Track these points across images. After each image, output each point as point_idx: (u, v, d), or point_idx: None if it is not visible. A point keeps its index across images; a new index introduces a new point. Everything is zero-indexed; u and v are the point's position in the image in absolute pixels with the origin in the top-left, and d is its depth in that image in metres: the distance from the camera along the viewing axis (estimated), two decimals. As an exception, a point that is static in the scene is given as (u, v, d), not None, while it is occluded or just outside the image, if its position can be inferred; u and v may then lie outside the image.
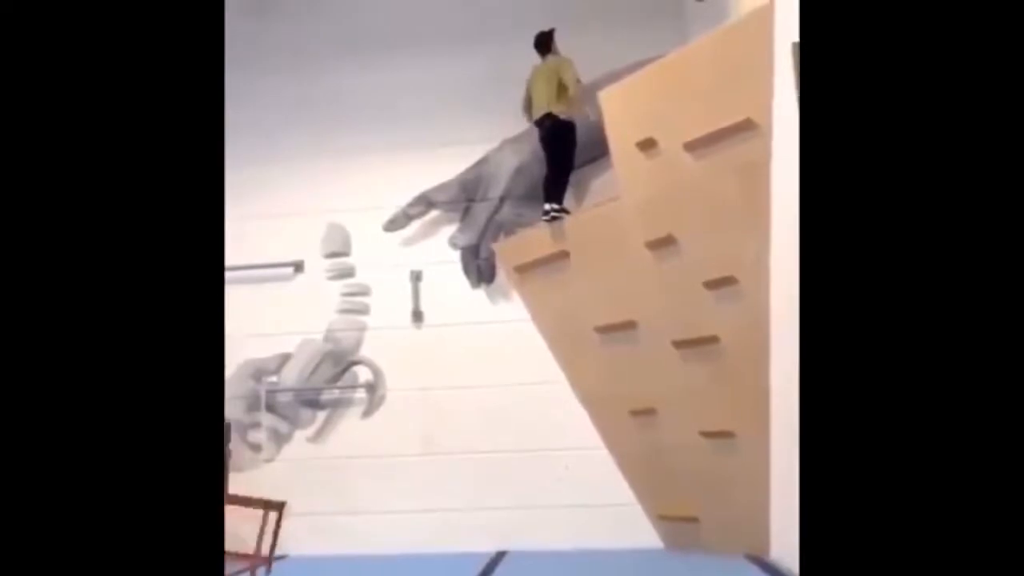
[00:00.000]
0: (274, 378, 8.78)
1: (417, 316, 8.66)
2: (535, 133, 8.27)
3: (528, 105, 8.27)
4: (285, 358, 8.81)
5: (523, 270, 8.34)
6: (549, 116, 7.98)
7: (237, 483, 8.15)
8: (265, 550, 6.40)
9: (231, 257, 7.12)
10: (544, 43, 8.23)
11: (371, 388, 8.59)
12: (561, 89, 7.93)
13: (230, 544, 6.16)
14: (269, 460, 8.60)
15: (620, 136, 7.61)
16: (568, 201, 8.11)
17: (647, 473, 7.76)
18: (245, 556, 6.39)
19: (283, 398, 8.74)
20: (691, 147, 7.00)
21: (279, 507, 6.28)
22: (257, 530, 6.48)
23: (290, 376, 8.76)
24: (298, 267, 8.95)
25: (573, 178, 8.21)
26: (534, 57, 8.23)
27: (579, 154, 8.14)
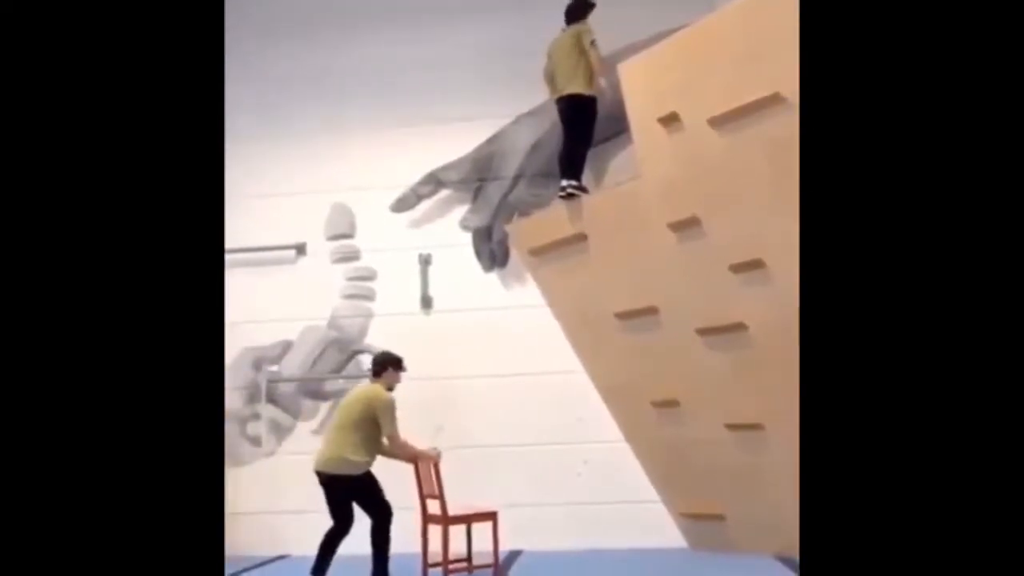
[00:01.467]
0: (275, 367, 8.62)
1: (426, 302, 8.48)
2: (553, 107, 8.02)
3: (551, 78, 7.98)
4: (287, 346, 8.63)
5: (538, 253, 8.12)
6: (569, 95, 7.72)
7: (236, 479, 8.01)
8: (479, 559, 6.55)
9: (229, 239, 6.96)
10: (572, 13, 7.90)
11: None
12: (581, 59, 7.65)
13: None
14: (270, 454, 8.47)
15: (641, 111, 7.39)
16: (586, 180, 7.87)
17: (670, 468, 7.62)
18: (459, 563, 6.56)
19: (285, 388, 8.59)
20: (716, 122, 6.81)
21: (492, 517, 6.51)
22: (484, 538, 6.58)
23: (292, 365, 8.61)
24: (300, 250, 8.74)
25: (591, 155, 7.95)
26: (551, 28, 7.94)
27: (598, 130, 7.89)
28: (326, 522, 6.07)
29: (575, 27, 7.78)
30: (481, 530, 6.47)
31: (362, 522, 6.10)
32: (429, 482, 6.31)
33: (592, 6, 7.85)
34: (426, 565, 6.37)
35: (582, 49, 7.64)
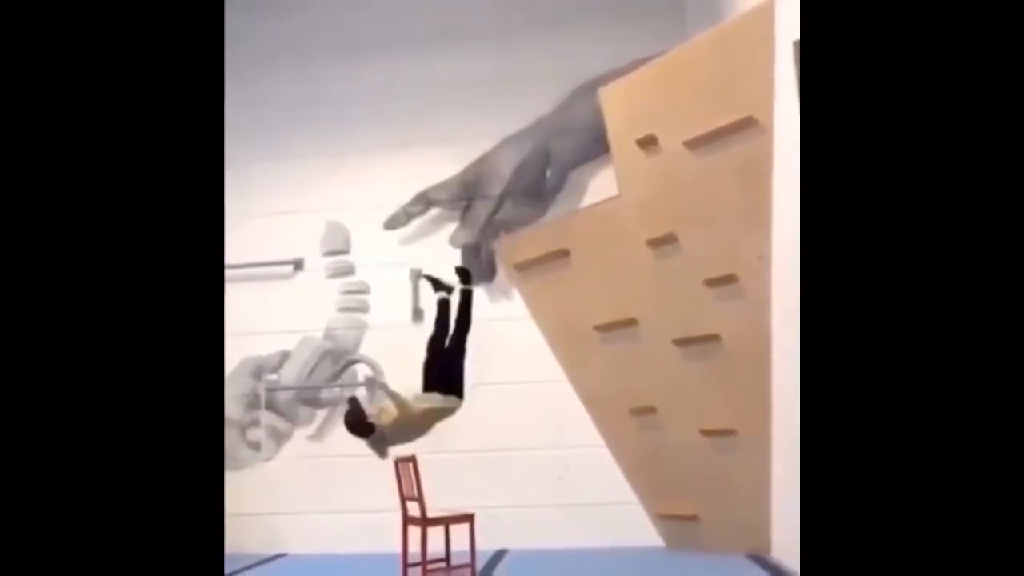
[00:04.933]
0: (273, 376, 8.77)
1: (417, 314, 8.60)
2: (536, 130, 8.36)
3: None
4: (284, 356, 8.80)
5: (523, 268, 8.34)
6: None
7: (237, 482, 8.13)
8: (457, 559, 6.53)
9: (230, 255, 7.07)
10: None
11: (371, 386, 8.53)
12: None
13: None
14: (268, 459, 8.62)
15: (620, 133, 7.62)
16: (567, 199, 8.17)
17: (648, 472, 7.76)
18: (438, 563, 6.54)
19: (283, 396, 8.74)
20: (692, 145, 7.02)
21: (469, 519, 6.45)
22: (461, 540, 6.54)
23: (289, 374, 8.75)
24: (298, 265, 8.93)
25: (574, 175, 8.26)
26: (534, 56, 8.28)
27: (580, 150, 8.18)
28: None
29: None
30: (464, 531, 6.47)
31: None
32: (409, 485, 6.38)
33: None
34: (405, 564, 6.41)
35: None
